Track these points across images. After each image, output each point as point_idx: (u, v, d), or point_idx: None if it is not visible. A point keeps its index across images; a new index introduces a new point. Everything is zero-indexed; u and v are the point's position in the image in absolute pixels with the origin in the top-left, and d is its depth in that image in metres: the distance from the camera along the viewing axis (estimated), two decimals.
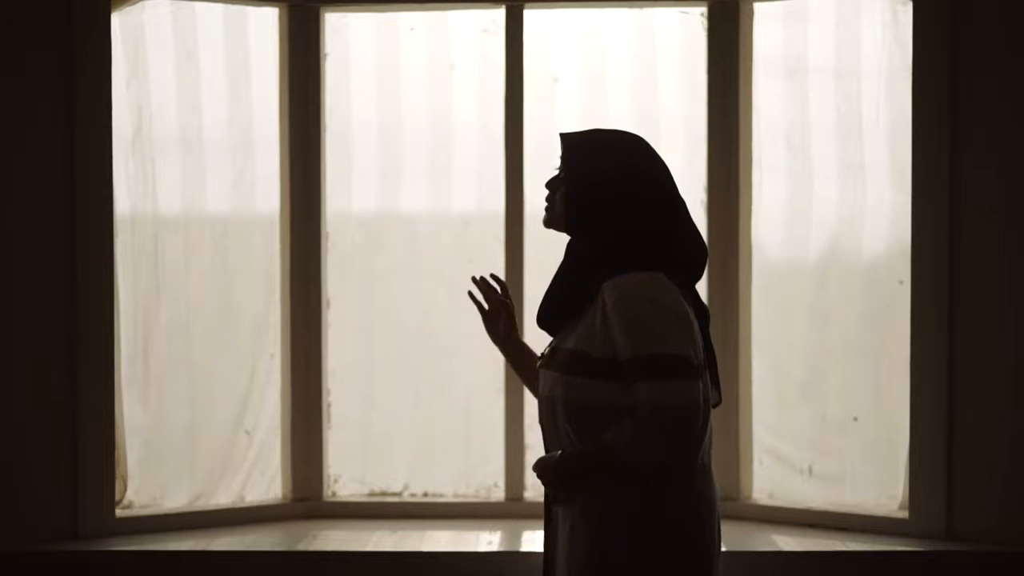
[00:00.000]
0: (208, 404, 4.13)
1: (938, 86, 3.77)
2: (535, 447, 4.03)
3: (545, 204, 2.74)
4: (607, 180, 2.63)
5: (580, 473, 2.59)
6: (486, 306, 3.00)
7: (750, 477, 4.09)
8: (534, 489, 4.08)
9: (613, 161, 2.65)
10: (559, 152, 2.71)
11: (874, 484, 3.98)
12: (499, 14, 4.10)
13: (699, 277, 2.71)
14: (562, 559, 2.65)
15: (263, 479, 4.16)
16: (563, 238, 2.76)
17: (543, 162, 3.67)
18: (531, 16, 4.10)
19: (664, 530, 2.55)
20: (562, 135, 2.72)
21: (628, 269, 2.56)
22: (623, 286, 2.53)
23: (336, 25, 4.16)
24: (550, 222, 2.74)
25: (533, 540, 3.81)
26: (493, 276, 3.02)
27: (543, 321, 2.77)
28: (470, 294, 3.03)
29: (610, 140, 2.70)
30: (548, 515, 2.75)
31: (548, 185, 2.74)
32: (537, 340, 2.91)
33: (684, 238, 2.67)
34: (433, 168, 4.21)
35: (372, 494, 4.22)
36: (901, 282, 3.88)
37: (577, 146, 2.69)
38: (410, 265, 4.23)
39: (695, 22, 4.09)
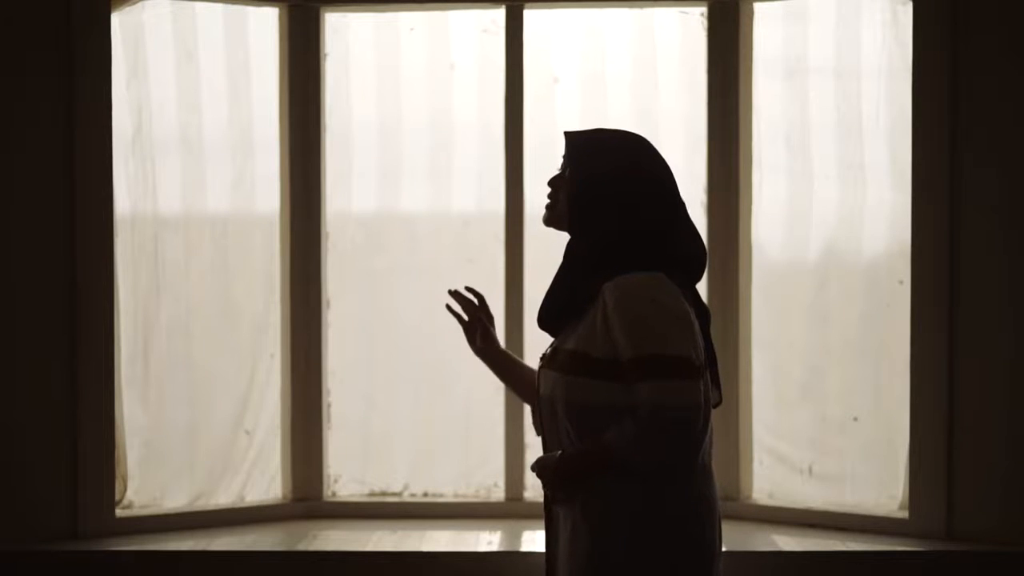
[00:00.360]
0: (208, 404, 4.12)
1: (938, 86, 3.77)
2: (535, 447, 4.02)
3: (547, 202, 2.74)
4: (610, 179, 2.63)
5: (580, 473, 2.59)
6: (465, 317, 3.00)
7: (750, 477, 4.09)
8: (534, 489, 4.08)
9: (616, 160, 2.65)
10: (562, 151, 2.71)
11: (874, 484, 3.98)
12: (499, 14, 4.10)
13: (699, 277, 2.71)
14: (563, 560, 2.65)
15: (263, 479, 4.16)
16: (563, 238, 2.76)
17: (543, 162, 3.68)
18: (531, 16, 4.10)
19: (665, 530, 2.55)
20: (566, 133, 2.72)
21: (629, 269, 2.56)
22: (624, 286, 2.53)
23: (336, 25, 4.16)
24: (551, 220, 2.74)
25: (533, 540, 3.81)
26: (468, 288, 3.01)
27: (544, 322, 2.77)
28: (448, 307, 3.02)
29: (613, 139, 2.71)
30: (549, 516, 2.75)
31: (551, 183, 2.74)
32: (537, 341, 2.91)
33: (684, 238, 2.67)
34: (433, 168, 4.20)
35: (372, 494, 4.22)
36: (901, 282, 3.88)
37: (581, 145, 2.69)
38: (410, 265, 4.23)
39: (695, 22, 4.09)
